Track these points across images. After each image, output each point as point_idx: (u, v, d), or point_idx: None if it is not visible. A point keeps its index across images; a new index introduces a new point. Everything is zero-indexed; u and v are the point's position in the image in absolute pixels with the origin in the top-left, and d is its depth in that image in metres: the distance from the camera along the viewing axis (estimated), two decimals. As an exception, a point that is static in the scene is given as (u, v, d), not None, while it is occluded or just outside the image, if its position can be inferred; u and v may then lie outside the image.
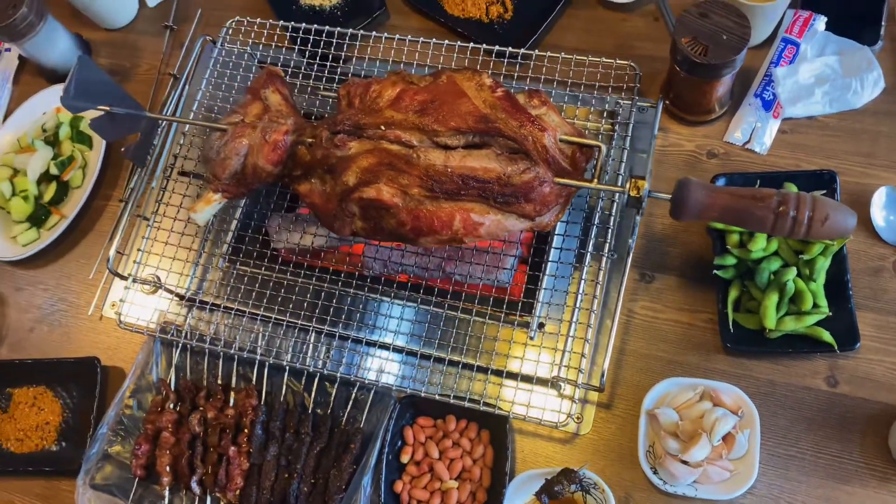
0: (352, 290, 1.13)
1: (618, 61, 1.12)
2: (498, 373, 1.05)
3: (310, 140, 1.00)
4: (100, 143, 1.32)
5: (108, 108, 1.07)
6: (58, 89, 1.39)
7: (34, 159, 1.30)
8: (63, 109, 1.37)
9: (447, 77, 0.96)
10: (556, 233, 1.08)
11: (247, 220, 1.22)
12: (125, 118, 1.09)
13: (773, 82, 1.15)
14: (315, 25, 1.22)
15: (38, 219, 1.29)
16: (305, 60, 1.23)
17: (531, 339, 1.07)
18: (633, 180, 0.89)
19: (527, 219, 0.93)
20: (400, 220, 0.94)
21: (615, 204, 1.06)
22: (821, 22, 1.15)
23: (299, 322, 1.10)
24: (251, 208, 1.23)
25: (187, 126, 1.23)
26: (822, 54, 1.15)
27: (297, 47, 1.26)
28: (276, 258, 1.19)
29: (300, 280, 1.13)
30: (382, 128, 0.95)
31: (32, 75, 1.46)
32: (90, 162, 1.32)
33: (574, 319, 1.04)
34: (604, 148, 0.91)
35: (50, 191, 1.30)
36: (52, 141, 1.34)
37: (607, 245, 1.04)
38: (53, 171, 1.30)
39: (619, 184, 1.06)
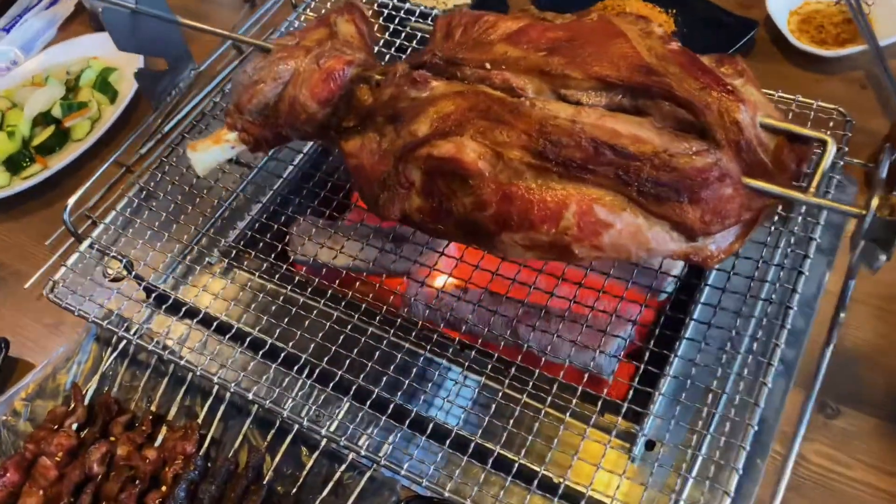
0: (375, 331, 0.76)
1: (819, 103, 0.79)
2: (571, 498, 0.65)
3: (378, 77, 0.69)
4: (123, 100, 1.05)
5: (133, 6, 0.80)
6: (101, 37, 1.15)
7: (38, 94, 1.04)
8: (99, 58, 1.13)
9: (598, 16, 0.65)
10: (703, 301, 0.71)
11: (266, 217, 0.90)
12: (151, 25, 0.82)
13: None
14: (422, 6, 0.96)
15: (16, 163, 1.01)
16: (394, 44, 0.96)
17: (633, 460, 0.67)
18: (882, 196, 0.53)
19: (684, 233, 0.57)
20: (481, 197, 0.60)
21: (801, 277, 0.69)
22: None
23: (303, 354, 0.73)
24: (274, 203, 0.92)
25: (230, 84, 0.95)
26: None
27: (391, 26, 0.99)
28: (292, 275, 0.84)
29: (318, 305, 0.78)
30: (487, 66, 0.64)
31: (84, 26, 1.25)
32: (104, 116, 1.05)
33: (705, 444, 0.64)
34: (832, 145, 0.56)
35: (44, 135, 1.02)
36: (72, 86, 1.09)
37: (782, 333, 0.66)
38: (56, 112, 1.04)
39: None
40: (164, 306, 0.82)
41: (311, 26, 0.77)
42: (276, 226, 0.88)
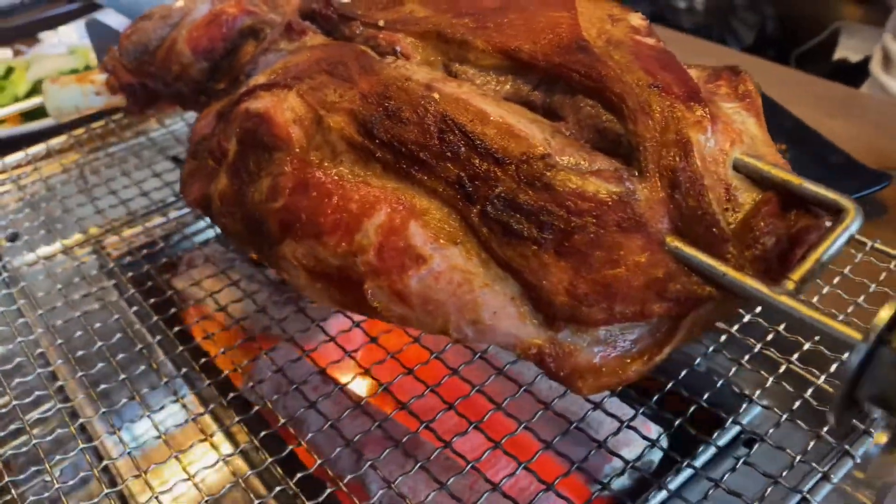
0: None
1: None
2: None
3: (269, 31, 0.51)
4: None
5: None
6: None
7: (49, 60, 0.97)
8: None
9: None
10: None
11: (173, 237, 0.71)
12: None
13: None
14: None
15: None
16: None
17: None
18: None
19: (540, 308, 0.31)
20: (277, 180, 0.38)
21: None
22: None
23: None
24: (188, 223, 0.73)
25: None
26: None
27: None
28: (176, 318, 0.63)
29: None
30: (381, 23, 0.44)
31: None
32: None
33: None
34: (855, 218, 0.29)
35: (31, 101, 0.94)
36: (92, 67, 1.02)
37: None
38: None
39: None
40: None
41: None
42: (178, 253, 0.69)
